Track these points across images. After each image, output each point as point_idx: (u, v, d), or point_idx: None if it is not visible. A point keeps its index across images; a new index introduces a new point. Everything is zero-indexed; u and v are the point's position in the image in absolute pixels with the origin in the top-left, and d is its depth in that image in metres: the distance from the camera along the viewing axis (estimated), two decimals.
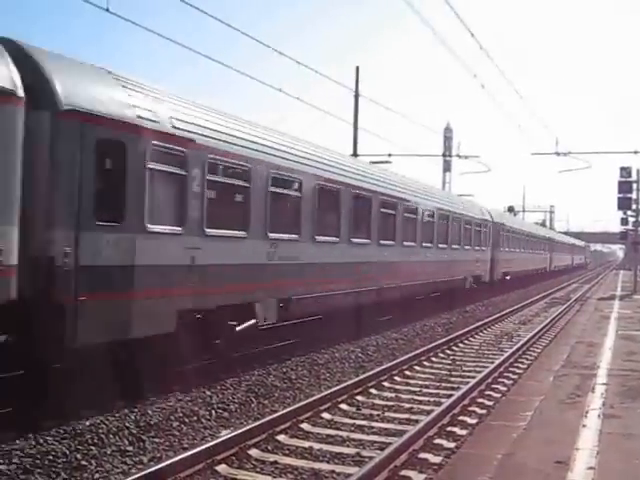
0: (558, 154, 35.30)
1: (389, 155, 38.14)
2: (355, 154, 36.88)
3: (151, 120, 10.07)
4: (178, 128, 10.67)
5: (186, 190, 10.80)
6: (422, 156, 44.42)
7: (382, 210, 19.15)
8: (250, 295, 12.75)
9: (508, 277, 38.70)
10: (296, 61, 20.76)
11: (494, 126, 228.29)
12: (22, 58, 8.55)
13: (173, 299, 10.58)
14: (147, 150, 9.92)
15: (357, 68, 36.35)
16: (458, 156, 41.17)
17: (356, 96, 35.92)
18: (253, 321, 12.79)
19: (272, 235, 13.28)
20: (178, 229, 10.71)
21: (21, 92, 8.17)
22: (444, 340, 17.57)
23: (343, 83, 35.07)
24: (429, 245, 23.59)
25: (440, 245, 24.98)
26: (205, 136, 11.30)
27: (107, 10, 12.33)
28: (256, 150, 12.85)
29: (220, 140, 11.73)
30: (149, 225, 9.97)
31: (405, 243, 21.07)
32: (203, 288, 11.20)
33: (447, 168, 71.25)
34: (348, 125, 36.02)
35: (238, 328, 12.25)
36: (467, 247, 29.29)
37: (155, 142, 10.06)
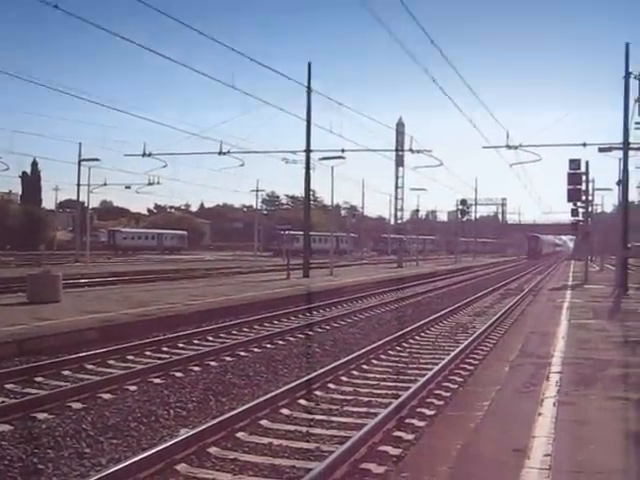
0: (509, 147, 35.70)
1: (342, 151, 38.23)
2: (308, 149, 36.90)
3: None
4: None
5: None
6: (375, 151, 44.60)
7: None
8: None
9: None
10: (249, 58, 20.89)
11: (446, 121, 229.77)
12: None
13: None
14: None
15: (309, 64, 36.46)
16: (411, 151, 41.29)
17: (309, 92, 35.96)
18: None
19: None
20: None
21: None
22: (400, 333, 17.67)
23: (291, 76, 35.10)
24: None
25: None
26: None
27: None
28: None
29: None
30: None
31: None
32: None
33: (400, 163, 71.70)
34: (300, 120, 36.01)
35: None
36: None
37: None
